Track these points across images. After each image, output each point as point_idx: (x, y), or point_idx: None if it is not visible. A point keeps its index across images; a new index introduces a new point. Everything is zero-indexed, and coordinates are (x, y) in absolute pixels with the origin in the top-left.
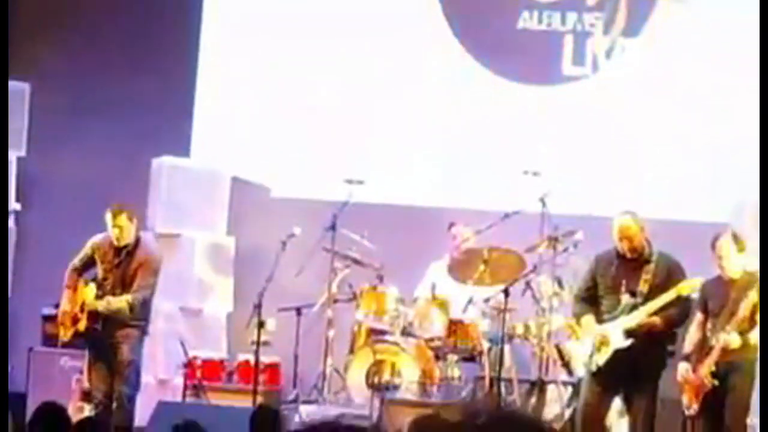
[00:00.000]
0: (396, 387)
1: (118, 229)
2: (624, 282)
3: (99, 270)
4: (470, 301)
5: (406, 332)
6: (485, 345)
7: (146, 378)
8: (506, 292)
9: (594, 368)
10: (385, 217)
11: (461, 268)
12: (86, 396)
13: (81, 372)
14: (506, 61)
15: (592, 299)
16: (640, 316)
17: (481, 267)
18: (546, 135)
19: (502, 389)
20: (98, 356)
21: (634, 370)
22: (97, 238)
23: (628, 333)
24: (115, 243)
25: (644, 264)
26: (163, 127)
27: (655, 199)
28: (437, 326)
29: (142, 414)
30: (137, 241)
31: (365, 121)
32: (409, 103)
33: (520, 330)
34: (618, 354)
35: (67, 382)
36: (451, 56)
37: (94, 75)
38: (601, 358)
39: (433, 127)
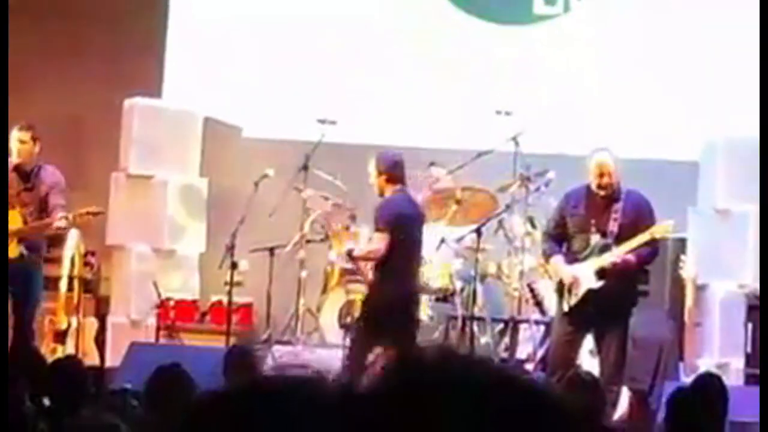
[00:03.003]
0: None
1: (19, 143)
2: (593, 221)
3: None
4: (443, 241)
5: None
6: (458, 285)
7: (119, 319)
8: (478, 232)
9: (566, 308)
10: (357, 157)
11: (433, 207)
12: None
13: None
14: (478, 1)
15: (561, 237)
16: (612, 257)
17: (453, 207)
18: (518, 74)
19: (475, 329)
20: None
21: (605, 310)
22: None
23: (600, 273)
24: (14, 159)
25: (613, 202)
26: (134, 67)
27: (627, 137)
28: None
29: (115, 355)
30: (39, 167)
31: (338, 61)
32: (382, 42)
33: (492, 270)
34: (589, 294)
35: None
36: None
37: (64, 16)
38: (573, 299)
39: (406, 66)
